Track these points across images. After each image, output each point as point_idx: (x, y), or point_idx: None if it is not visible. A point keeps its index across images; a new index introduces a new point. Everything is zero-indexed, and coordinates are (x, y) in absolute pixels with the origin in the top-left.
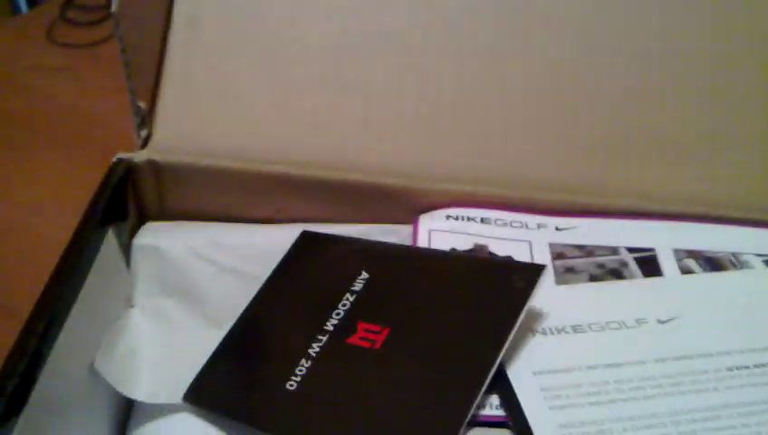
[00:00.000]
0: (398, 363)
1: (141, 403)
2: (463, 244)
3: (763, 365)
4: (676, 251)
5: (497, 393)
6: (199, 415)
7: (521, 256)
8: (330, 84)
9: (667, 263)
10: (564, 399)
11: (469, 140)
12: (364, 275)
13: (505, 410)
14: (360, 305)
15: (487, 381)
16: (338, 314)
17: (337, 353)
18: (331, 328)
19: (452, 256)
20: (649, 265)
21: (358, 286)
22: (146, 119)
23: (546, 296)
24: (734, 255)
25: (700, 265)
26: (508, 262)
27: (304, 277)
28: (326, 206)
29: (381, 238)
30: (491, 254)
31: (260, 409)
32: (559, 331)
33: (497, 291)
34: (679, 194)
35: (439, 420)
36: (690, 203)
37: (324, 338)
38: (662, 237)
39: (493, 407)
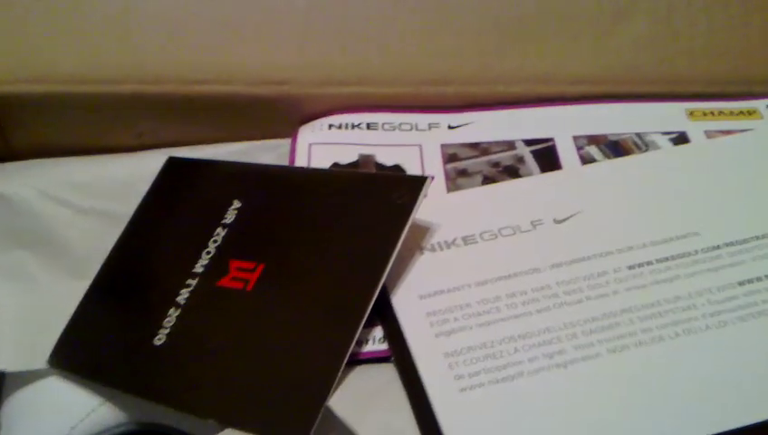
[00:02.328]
0: (271, 305)
1: (11, 373)
2: (347, 156)
3: (666, 259)
4: (577, 138)
5: (381, 325)
6: (72, 379)
7: (411, 162)
8: None
9: (567, 153)
10: (452, 323)
11: (348, 35)
12: (236, 204)
13: (389, 343)
14: (233, 241)
15: (366, 314)
16: (208, 252)
17: (207, 299)
18: (201, 270)
19: (329, 175)
20: (548, 158)
21: (229, 218)
22: None
23: (436, 208)
24: (638, 135)
25: (603, 151)
26: (387, 176)
27: (172, 213)
28: (194, 126)
29: (260, 157)
30: (377, 165)
31: (125, 370)
32: (449, 245)
33: (377, 211)
34: (579, 73)
35: (315, 365)
36: (591, 82)
37: (194, 282)
38: (561, 125)
39: (376, 341)
